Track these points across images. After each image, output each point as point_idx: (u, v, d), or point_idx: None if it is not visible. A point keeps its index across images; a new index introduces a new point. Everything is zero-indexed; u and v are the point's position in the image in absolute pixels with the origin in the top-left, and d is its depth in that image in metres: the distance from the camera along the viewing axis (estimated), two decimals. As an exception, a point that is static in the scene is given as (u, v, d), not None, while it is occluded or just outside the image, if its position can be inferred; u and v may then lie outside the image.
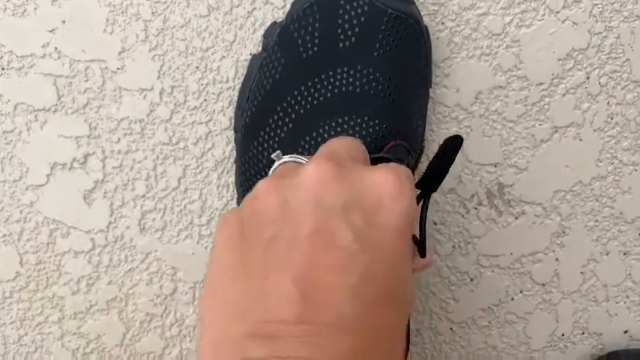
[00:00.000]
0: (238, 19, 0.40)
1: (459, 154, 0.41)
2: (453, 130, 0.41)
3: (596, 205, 0.42)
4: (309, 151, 0.34)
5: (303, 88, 0.35)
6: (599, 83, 0.40)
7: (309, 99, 0.35)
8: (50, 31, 0.40)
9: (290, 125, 0.36)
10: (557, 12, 0.39)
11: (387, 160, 0.32)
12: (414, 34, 0.36)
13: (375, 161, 0.32)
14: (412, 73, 0.37)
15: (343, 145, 0.26)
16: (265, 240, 0.22)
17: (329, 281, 0.21)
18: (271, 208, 0.23)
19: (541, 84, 0.40)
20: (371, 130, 0.34)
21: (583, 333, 0.45)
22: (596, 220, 0.43)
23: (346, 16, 0.35)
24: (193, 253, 0.44)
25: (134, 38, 0.40)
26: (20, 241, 0.44)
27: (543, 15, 0.39)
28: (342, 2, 0.35)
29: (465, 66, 0.40)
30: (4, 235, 0.44)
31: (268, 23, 0.39)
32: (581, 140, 0.41)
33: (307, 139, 0.35)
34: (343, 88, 0.35)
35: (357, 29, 0.35)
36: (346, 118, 0.34)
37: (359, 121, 0.34)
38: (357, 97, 0.35)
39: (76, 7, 0.40)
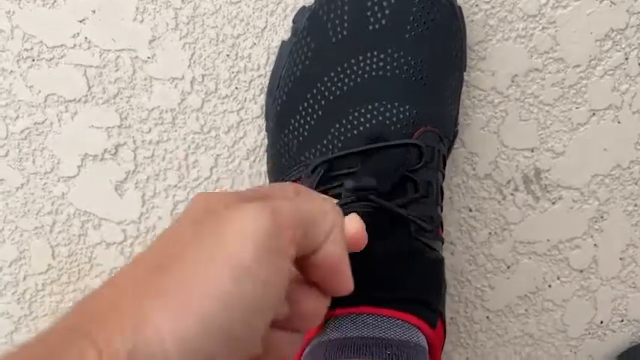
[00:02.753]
0: (269, 5, 0.39)
1: (494, 137, 0.40)
2: (489, 115, 0.40)
3: (635, 189, 0.41)
4: (339, 138, 0.34)
5: (332, 74, 0.35)
6: (639, 64, 0.39)
7: (339, 85, 0.34)
8: (80, 21, 0.40)
9: (320, 112, 0.35)
10: (595, -9, 0.38)
11: (416, 146, 0.32)
12: (447, 15, 0.35)
13: (403, 147, 0.32)
14: (445, 55, 0.36)
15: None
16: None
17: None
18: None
19: (578, 66, 0.39)
20: (401, 115, 0.33)
21: (622, 320, 0.44)
22: (636, 205, 0.42)
23: None
24: (226, 243, 0.44)
25: (164, 27, 0.40)
26: (52, 233, 0.44)
27: (580, -5, 0.38)
28: None
29: (500, 49, 0.39)
30: (36, 228, 0.44)
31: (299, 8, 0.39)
32: (619, 123, 0.40)
33: (337, 126, 0.34)
34: (373, 73, 0.34)
35: (387, 11, 0.34)
36: (376, 104, 0.34)
37: (389, 106, 0.34)
38: (388, 82, 0.34)
39: (105, -4, 0.40)
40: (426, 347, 0.29)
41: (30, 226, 0.44)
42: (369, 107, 0.34)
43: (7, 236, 0.45)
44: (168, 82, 0.41)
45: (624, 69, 0.40)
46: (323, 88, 0.35)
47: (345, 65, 0.35)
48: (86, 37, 0.40)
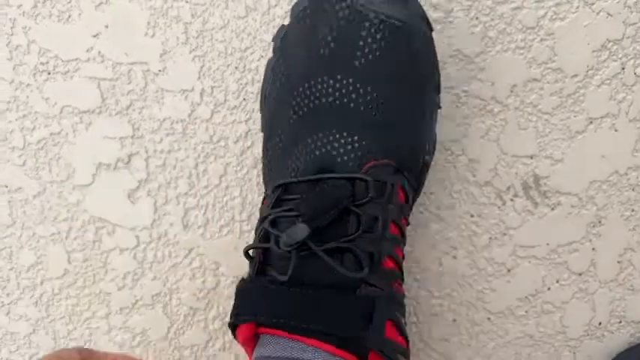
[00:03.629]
0: (276, 19, 0.41)
1: (494, 145, 0.42)
2: (489, 123, 0.41)
3: (632, 195, 0.43)
4: (299, 162, 0.33)
5: (295, 94, 0.34)
6: (635, 73, 0.41)
7: (302, 107, 0.34)
8: (94, 36, 0.42)
9: (288, 133, 0.34)
10: (592, 4, 0.39)
11: (363, 180, 0.31)
12: (403, 40, 0.33)
13: (350, 181, 0.31)
14: (404, 81, 0.33)
15: None
16: None
17: None
18: None
19: (576, 76, 0.41)
20: (350, 147, 0.32)
21: (620, 322, 0.45)
22: (633, 210, 0.43)
23: (326, 21, 0.32)
24: (235, 248, 0.45)
25: (175, 40, 0.41)
26: (68, 239, 0.46)
27: (577, 7, 0.39)
28: (325, 5, 0.32)
29: (499, 59, 0.40)
30: (53, 234, 0.46)
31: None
32: (616, 131, 0.42)
33: (295, 151, 0.34)
34: (323, 99, 0.33)
35: (335, 34, 0.32)
36: (327, 132, 0.32)
37: (337, 136, 0.32)
38: (339, 110, 0.33)
39: (118, 12, 0.41)
40: None
41: (47, 233, 0.46)
42: (320, 135, 0.33)
43: (24, 242, 0.46)
44: (178, 94, 0.42)
45: (621, 78, 0.41)
46: (291, 111, 0.34)
47: (301, 89, 0.34)
48: (99, 51, 0.42)
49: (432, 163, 0.42)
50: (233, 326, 0.32)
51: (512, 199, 0.43)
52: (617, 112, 0.41)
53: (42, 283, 0.47)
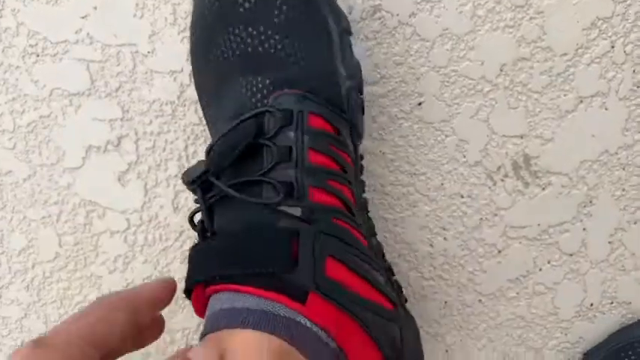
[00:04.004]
0: None
1: (484, 125, 0.42)
2: (478, 103, 0.41)
3: (623, 174, 0.42)
4: (222, 113, 0.34)
5: (214, 45, 0.35)
6: (625, 52, 0.40)
7: (221, 52, 0.34)
8: (82, 18, 0.42)
9: (211, 91, 0.35)
10: (581, -19, 0.39)
11: (267, 112, 0.31)
12: None
13: (256, 117, 0.31)
14: (309, 24, 0.34)
15: None
16: None
17: None
18: None
19: (565, 54, 0.40)
20: (255, 88, 0.33)
21: (612, 302, 0.45)
22: (624, 189, 0.43)
23: None
24: (225, 231, 0.45)
25: (163, 21, 0.41)
26: (59, 222, 0.46)
27: (567, -15, 0.39)
28: None
29: (488, 39, 0.40)
30: (43, 217, 0.46)
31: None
32: (606, 109, 0.41)
33: (224, 93, 0.34)
34: (230, 52, 0.34)
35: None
36: (238, 81, 0.34)
37: (245, 82, 0.33)
38: (244, 58, 0.33)
39: (106, -7, 0.41)
40: (295, 319, 0.27)
41: (37, 216, 0.46)
42: (235, 84, 0.34)
43: (15, 226, 0.46)
44: (167, 75, 0.42)
45: (611, 57, 0.40)
46: (210, 67, 0.35)
47: (221, 37, 0.34)
48: (88, 33, 0.42)
49: (422, 143, 0.42)
50: (188, 296, 0.31)
51: (502, 180, 0.43)
52: (608, 91, 0.41)
53: (33, 266, 0.47)
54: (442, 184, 0.43)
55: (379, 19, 0.40)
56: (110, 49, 0.42)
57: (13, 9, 0.42)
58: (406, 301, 0.38)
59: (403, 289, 0.46)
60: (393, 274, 0.37)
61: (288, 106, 0.32)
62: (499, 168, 0.43)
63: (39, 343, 0.23)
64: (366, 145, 0.43)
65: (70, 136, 0.44)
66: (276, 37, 0.33)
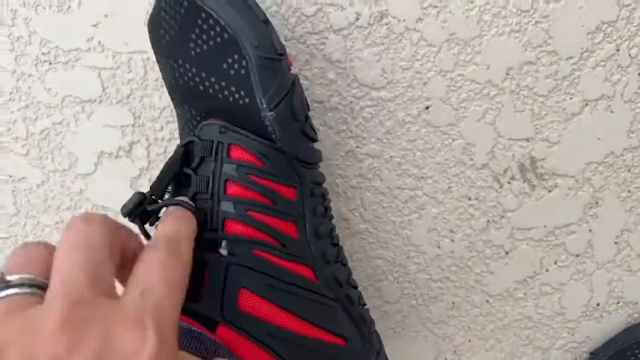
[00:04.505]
0: (272, 6, 0.41)
1: (491, 129, 0.42)
2: (485, 107, 0.42)
3: (628, 176, 0.43)
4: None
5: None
6: (630, 55, 0.41)
7: (164, 79, 0.37)
8: (94, 26, 0.42)
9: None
10: (586, -14, 0.40)
11: (191, 142, 0.33)
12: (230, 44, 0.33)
13: (184, 147, 0.33)
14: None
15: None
16: None
17: None
18: None
19: (571, 58, 0.41)
20: (187, 115, 0.35)
21: (618, 302, 0.46)
22: (629, 191, 0.43)
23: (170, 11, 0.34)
24: (236, 234, 0.46)
25: (173, 29, 0.42)
26: (71, 227, 0.47)
27: (572, -10, 0.40)
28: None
29: (494, 43, 0.41)
30: (57, 223, 0.47)
31: (302, 9, 0.41)
32: (612, 112, 0.42)
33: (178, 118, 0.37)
34: (172, 80, 0.35)
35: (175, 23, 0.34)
36: (179, 107, 0.36)
37: (180, 110, 0.36)
38: (177, 86, 0.35)
39: (117, 1, 0.42)
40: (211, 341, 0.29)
41: (51, 221, 0.47)
42: (178, 110, 0.36)
43: (29, 231, 0.47)
44: (178, 82, 0.43)
45: (616, 60, 0.41)
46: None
47: (159, 65, 0.37)
48: (99, 41, 0.43)
49: (429, 147, 0.43)
50: None
51: (509, 182, 0.43)
52: (613, 94, 0.42)
53: (47, 271, 0.48)
54: (449, 187, 0.44)
55: (386, 24, 0.41)
56: (121, 56, 0.43)
57: (26, 17, 0.43)
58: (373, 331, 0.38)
59: (412, 290, 0.46)
60: (361, 304, 0.36)
61: (210, 136, 0.33)
62: (506, 170, 0.43)
63: (161, 334, 0.21)
64: (373, 148, 0.43)
65: (83, 142, 0.45)
66: (194, 69, 0.34)
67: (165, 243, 0.26)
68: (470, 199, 0.44)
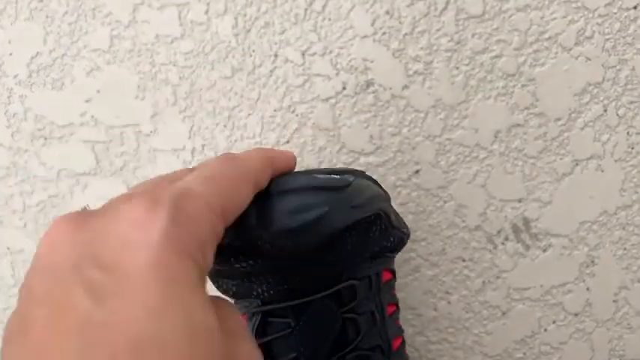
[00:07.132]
0: (261, 78, 0.42)
1: (482, 191, 0.42)
2: (475, 169, 0.42)
3: (623, 234, 0.43)
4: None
5: None
6: (617, 114, 0.41)
7: None
8: (86, 101, 0.43)
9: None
10: (570, 49, 0.40)
11: (348, 287, 0.30)
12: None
13: (334, 294, 0.29)
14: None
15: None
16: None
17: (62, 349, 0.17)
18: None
19: (559, 119, 0.41)
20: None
21: (620, 360, 0.45)
22: (625, 249, 0.43)
23: None
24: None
25: (164, 102, 0.43)
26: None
27: (556, 53, 0.40)
28: None
29: (482, 107, 0.41)
30: (54, 293, 0.47)
31: (289, 80, 0.41)
32: (603, 171, 0.42)
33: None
34: None
35: None
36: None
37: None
38: None
39: (108, 77, 0.43)
40: None
41: (49, 292, 0.47)
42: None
43: (28, 301, 0.47)
44: (170, 153, 0.44)
45: (604, 120, 0.41)
46: None
47: None
48: (92, 116, 0.43)
49: (421, 209, 0.43)
50: None
51: (503, 243, 0.43)
52: (603, 153, 0.41)
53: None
54: (443, 248, 0.44)
55: (372, 92, 0.41)
56: (114, 129, 0.43)
57: (21, 95, 0.43)
58: None
59: (410, 354, 0.46)
60: None
61: (364, 273, 0.31)
62: (499, 231, 0.43)
63: (177, 209, 0.20)
64: (366, 213, 0.43)
65: (78, 213, 0.45)
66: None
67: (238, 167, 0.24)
68: (464, 260, 0.44)
